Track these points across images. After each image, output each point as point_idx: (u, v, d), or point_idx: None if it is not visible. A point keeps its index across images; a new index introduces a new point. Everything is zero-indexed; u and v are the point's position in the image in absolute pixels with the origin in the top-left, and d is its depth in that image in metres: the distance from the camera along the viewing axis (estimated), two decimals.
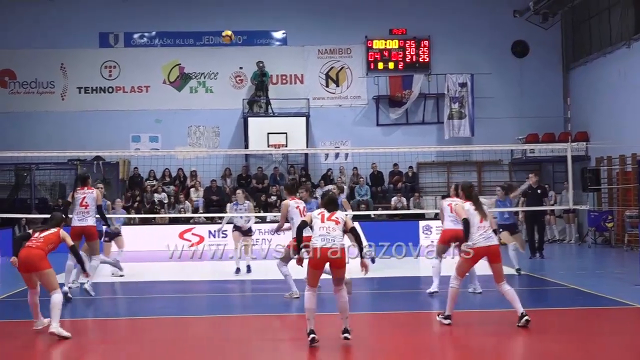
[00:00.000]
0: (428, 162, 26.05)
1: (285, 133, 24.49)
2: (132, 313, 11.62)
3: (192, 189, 24.72)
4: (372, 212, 23.49)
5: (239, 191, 15.97)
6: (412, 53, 26.19)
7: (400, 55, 26.21)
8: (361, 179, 24.92)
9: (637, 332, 9.66)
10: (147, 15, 26.06)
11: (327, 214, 8.58)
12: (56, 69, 25.90)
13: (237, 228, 15.66)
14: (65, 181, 25.24)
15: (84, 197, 12.18)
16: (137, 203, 24.16)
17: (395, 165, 25.37)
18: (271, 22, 26.25)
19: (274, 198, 24.32)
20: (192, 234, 22.65)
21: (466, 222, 9.37)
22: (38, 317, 9.49)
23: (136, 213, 23.36)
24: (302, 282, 9.62)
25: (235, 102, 25.73)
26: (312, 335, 8.31)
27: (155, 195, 24.28)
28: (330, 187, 23.28)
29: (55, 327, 9.00)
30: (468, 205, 9.48)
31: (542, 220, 18.68)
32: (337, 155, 25.98)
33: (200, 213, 23.63)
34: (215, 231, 21.50)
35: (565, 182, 15.16)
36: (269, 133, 24.40)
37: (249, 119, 24.96)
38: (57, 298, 9.05)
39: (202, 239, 22.46)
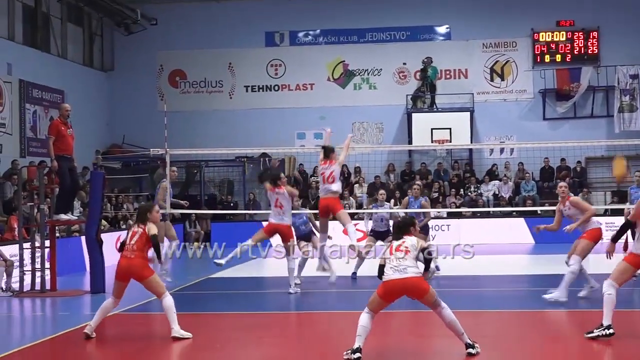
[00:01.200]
0: (597, 156, 26.48)
1: (449, 128, 25.61)
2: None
3: (356, 185, 26.03)
4: (538, 208, 24.16)
5: (382, 191, 16.24)
6: (580, 45, 26.90)
7: (568, 48, 26.95)
8: (527, 175, 25.66)
9: None
10: (311, 13, 27.86)
11: (395, 244, 8.07)
12: (224, 68, 28.06)
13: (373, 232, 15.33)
14: (233, 177, 27.21)
15: (277, 199, 12.66)
16: (301, 200, 25.61)
17: (563, 160, 26.05)
18: (435, 17, 27.51)
19: (436, 194, 25.31)
20: (356, 229, 23.83)
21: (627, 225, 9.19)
22: (96, 324, 9.46)
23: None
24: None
25: (399, 98, 27.16)
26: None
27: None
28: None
29: (177, 331, 9.18)
30: None
31: None
32: (502, 150, 26.89)
33: (364, 209, 24.83)
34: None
35: None
36: (432, 128, 25.57)
37: (413, 114, 26.31)
38: (169, 301, 9.23)
39: (365, 235, 23.63)
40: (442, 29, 27.66)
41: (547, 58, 27.01)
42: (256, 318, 10.98)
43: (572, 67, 26.73)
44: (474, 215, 24.88)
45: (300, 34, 28.14)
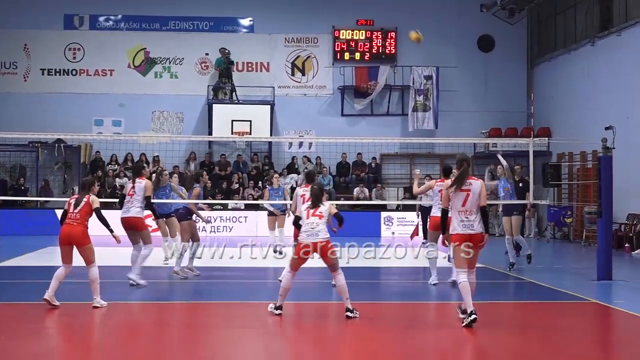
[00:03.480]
0: (392, 153, 29.68)
1: (250, 121, 27.83)
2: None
3: (154, 175, 27.93)
4: (334, 202, 26.75)
5: (276, 175, 19.69)
6: (378, 44, 29.94)
7: (367, 46, 29.94)
8: (324, 169, 28.40)
9: (593, 327, 11.08)
10: None
11: (311, 210, 10.61)
12: (19, 49, 29.16)
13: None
14: (25, 163, 28.39)
15: (132, 187, 13.69)
16: (98, 187, 27.28)
17: (359, 155, 28.96)
18: (238, 9, 29.72)
19: (236, 186, 27.72)
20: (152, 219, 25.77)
21: (444, 212, 10.30)
22: (53, 291, 11.09)
23: (97, 196, 26.40)
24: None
25: (200, 88, 29.24)
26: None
27: (117, 179, 27.40)
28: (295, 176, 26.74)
29: (98, 301, 11.15)
30: (454, 188, 10.16)
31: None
32: (300, 144, 29.47)
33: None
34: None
35: (526, 177, 17.12)
36: (233, 120, 27.67)
37: (214, 105, 28.37)
38: (95, 272, 11.14)
39: None
40: (245, 22, 29.88)
41: (346, 55, 29.83)
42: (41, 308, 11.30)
43: (370, 66, 29.65)
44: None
45: (101, 19, 29.61)
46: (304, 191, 12.97)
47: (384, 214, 26.93)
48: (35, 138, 26.39)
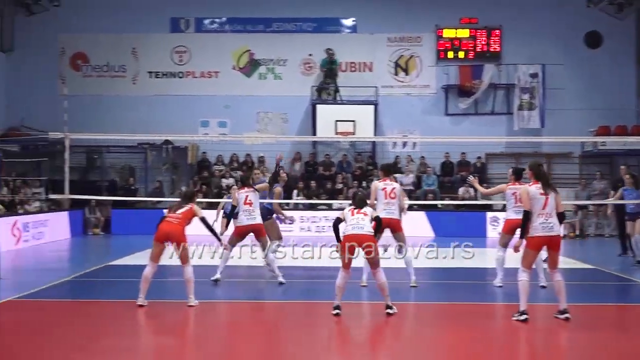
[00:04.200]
0: (497, 153, 29.91)
1: (354, 121, 28.39)
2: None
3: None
4: (439, 202, 27.35)
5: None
6: (482, 42, 30.28)
7: (471, 45, 30.32)
8: (429, 169, 28.91)
9: None
10: (218, 1, 30.55)
11: (356, 209, 11.19)
12: (128, 53, 30.50)
13: None
14: (134, 164, 29.67)
15: (247, 196, 13.97)
16: (204, 187, 28.41)
17: (463, 154, 29.36)
18: (341, 10, 30.41)
19: (340, 185, 28.47)
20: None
21: (527, 214, 10.68)
22: (144, 293, 11.59)
23: (203, 197, 27.40)
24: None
25: (304, 88, 30.02)
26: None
27: (223, 180, 28.34)
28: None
29: (193, 300, 11.62)
30: (534, 189, 10.69)
31: None
32: (404, 144, 29.98)
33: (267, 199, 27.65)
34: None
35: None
36: (337, 120, 28.29)
37: (318, 106, 29.11)
38: (189, 271, 11.61)
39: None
40: (348, 22, 30.56)
41: (450, 54, 30.25)
42: (154, 307, 11.83)
43: (474, 64, 30.00)
44: None
45: (207, 21, 30.71)
46: (384, 185, 13.50)
47: (489, 214, 27.09)
48: (143, 139, 27.85)
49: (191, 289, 11.67)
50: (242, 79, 30.62)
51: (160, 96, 30.27)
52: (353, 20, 30.64)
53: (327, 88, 29.64)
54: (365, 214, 11.13)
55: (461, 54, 30.35)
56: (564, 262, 12.78)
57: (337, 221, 11.28)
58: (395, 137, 29.91)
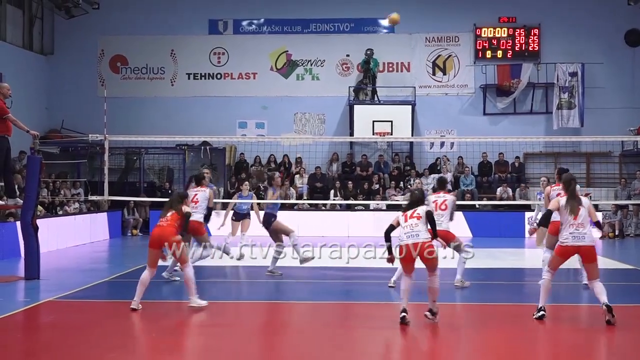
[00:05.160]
0: (535, 152, 29.83)
1: (391, 121, 28.48)
2: (235, 297, 13.83)
3: (297, 176, 29.04)
4: (476, 202, 27.23)
5: (246, 183, 20.17)
6: (521, 42, 30.13)
7: (509, 44, 30.18)
8: (466, 169, 28.83)
9: None
10: (255, 2, 30.74)
11: (409, 213, 10.82)
12: (166, 55, 30.81)
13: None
14: (173, 165, 29.97)
15: (196, 194, 14.48)
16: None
17: (501, 154, 29.20)
18: (379, 10, 30.17)
19: (376, 186, 28.46)
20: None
21: (548, 213, 11.02)
22: (140, 297, 11.56)
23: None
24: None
25: (342, 89, 30.12)
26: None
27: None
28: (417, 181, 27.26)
29: (194, 301, 11.60)
30: (563, 201, 10.86)
31: None
32: (442, 144, 29.97)
33: (304, 200, 27.77)
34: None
35: None
36: (374, 121, 28.39)
37: (355, 106, 29.18)
38: (189, 272, 11.59)
39: None
40: (385, 22, 30.74)
41: (488, 54, 30.17)
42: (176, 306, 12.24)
43: (513, 63, 29.86)
44: None
45: (244, 23, 30.90)
46: (436, 197, 13.89)
47: (528, 214, 26.86)
48: (182, 141, 28.02)
49: (192, 290, 11.65)
50: (279, 80, 30.78)
51: (198, 97, 30.54)
52: None
53: (364, 88, 29.68)
54: (418, 217, 10.77)
55: (499, 53, 30.24)
56: (603, 262, 12.53)
57: (390, 228, 10.87)
58: (432, 137, 29.91)
